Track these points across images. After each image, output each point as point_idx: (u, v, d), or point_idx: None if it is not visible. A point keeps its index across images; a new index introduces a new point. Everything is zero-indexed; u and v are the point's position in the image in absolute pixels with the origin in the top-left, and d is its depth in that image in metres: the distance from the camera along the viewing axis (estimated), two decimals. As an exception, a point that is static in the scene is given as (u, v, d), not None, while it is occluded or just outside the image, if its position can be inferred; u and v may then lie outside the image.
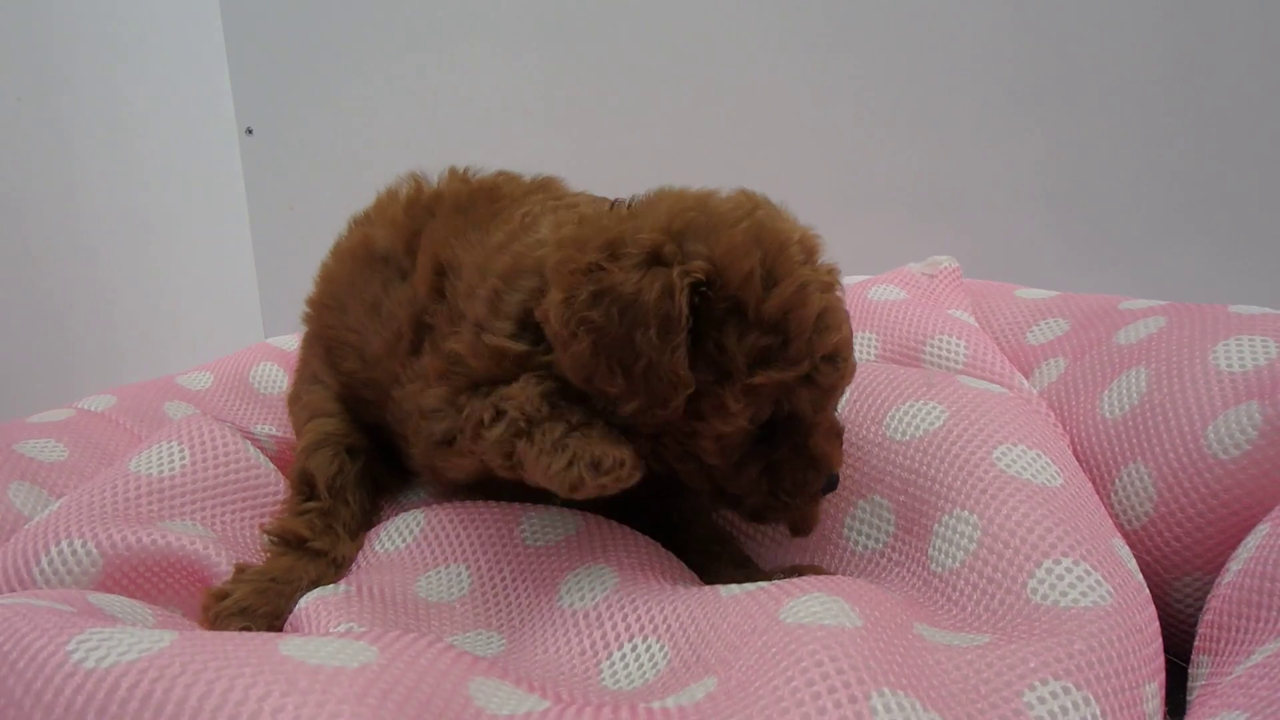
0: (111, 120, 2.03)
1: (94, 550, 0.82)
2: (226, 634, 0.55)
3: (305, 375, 1.09)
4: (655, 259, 0.69)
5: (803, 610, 0.58)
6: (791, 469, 0.76)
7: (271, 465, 1.00)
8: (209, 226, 2.21)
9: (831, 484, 0.78)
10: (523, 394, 0.72)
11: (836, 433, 0.78)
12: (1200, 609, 0.81)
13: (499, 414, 0.73)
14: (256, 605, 0.80)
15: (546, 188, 0.99)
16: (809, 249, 0.75)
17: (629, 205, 0.80)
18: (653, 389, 0.69)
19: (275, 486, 0.98)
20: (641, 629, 0.66)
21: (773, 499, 0.77)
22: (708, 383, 0.71)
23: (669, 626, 0.65)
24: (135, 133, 2.08)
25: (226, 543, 0.90)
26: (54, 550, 0.82)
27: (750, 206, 0.76)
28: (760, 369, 0.70)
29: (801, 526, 0.80)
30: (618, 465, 0.66)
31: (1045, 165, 1.82)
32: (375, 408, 0.99)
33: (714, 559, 0.86)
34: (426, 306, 0.86)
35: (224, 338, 2.19)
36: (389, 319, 0.92)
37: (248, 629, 0.78)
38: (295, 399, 1.08)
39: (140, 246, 2.11)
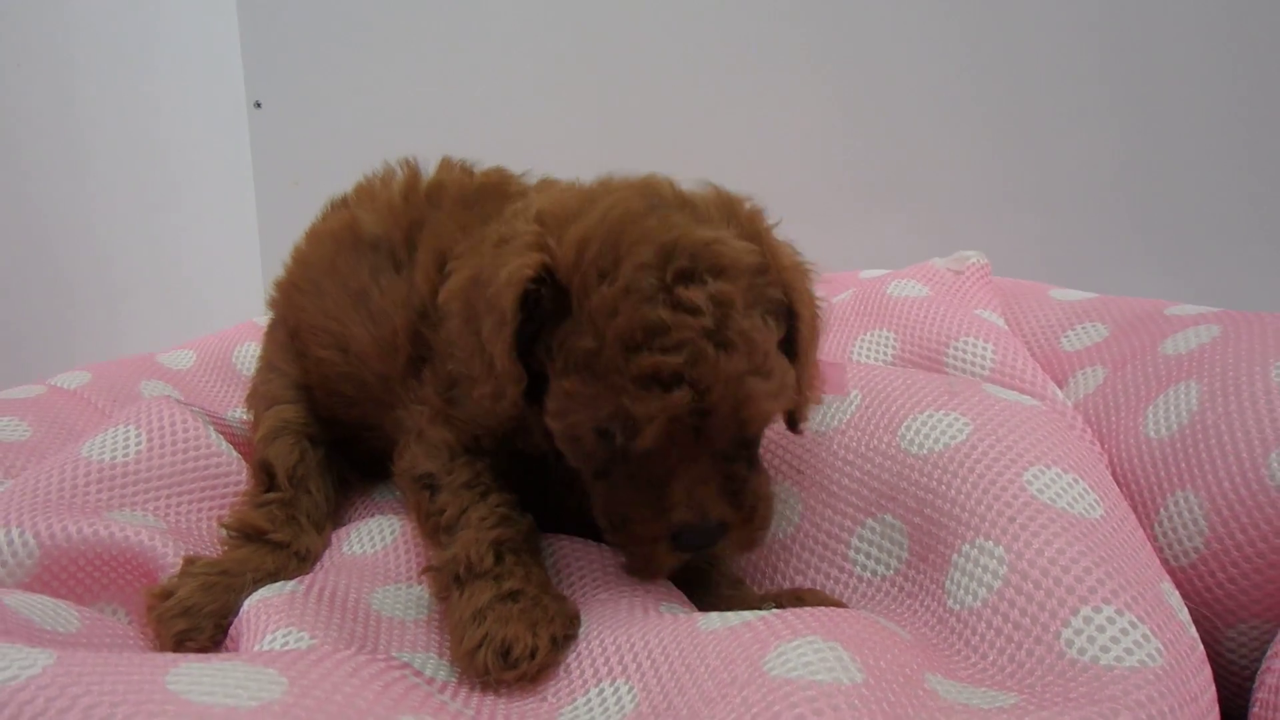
0: (117, 90, 1.99)
1: (31, 541, 0.76)
2: (113, 660, 0.47)
3: (264, 365, 1.03)
4: (519, 249, 0.66)
5: (793, 659, 0.48)
6: (625, 500, 0.66)
7: (236, 454, 0.93)
8: (214, 201, 2.17)
9: (688, 539, 0.64)
10: (473, 536, 0.69)
11: (722, 482, 0.64)
12: (1255, 662, 0.71)
13: (449, 531, 0.71)
14: (202, 603, 0.74)
15: (547, 189, 0.93)
16: (679, 253, 0.62)
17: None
18: (494, 376, 0.65)
19: (238, 477, 0.92)
20: (610, 671, 0.58)
21: (609, 525, 0.68)
22: (544, 381, 0.66)
23: (639, 665, 0.57)
24: (141, 104, 2.04)
25: (180, 535, 0.83)
26: None
27: (628, 194, 0.67)
28: (572, 373, 0.62)
29: (642, 569, 0.69)
30: (526, 656, 0.60)
31: (1084, 159, 1.70)
32: (350, 404, 0.92)
33: (703, 575, 0.77)
34: (425, 310, 0.81)
35: (225, 315, 2.13)
36: (380, 315, 0.86)
37: (194, 631, 0.73)
38: (253, 393, 1.01)
39: (143, 220, 2.07)
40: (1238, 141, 1.61)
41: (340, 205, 1.01)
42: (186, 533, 0.85)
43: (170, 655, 0.49)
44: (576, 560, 0.75)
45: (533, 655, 0.60)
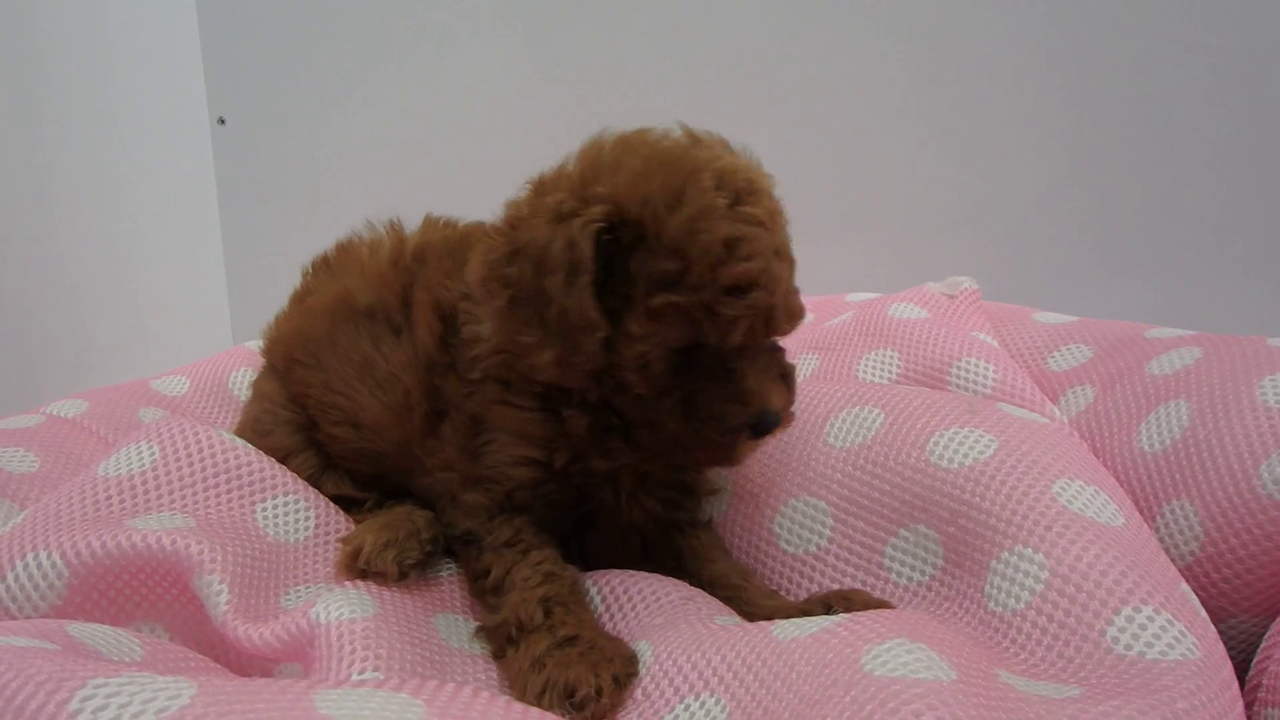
0: (77, 108, 1.95)
1: (59, 562, 0.74)
2: (255, 685, 0.48)
3: (264, 412, 0.99)
4: (560, 214, 0.70)
5: (891, 660, 0.53)
6: (710, 398, 0.73)
7: (251, 446, 0.90)
8: (177, 220, 2.14)
9: (764, 424, 0.74)
10: (520, 598, 0.71)
11: (777, 371, 0.76)
12: (1247, 653, 0.78)
13: (496, 593, 0.73)
14: (395, 531, 0.78)
15: None
16: (731, 178, 0.72)
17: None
18: (567, 335, 0.70)
19: (259, 464, 0.88)
20: (691, 687, 0.61)
21: (689, 427, 0.74)
22: (617, 310, 0.71)
23: (721, 678, 0.60)
24: (102, 122, 2.00)
25: (213, 528, 0.81)
26: (19, 566, 0.75)
27: (661, 136, 0.75)
28: (660, 292, 0.70)
29: (723, 459, 0.77)
30: (592, 697, 0.62)
31: (1041, 180, 1.79)
32: (373, 477, 0.93)
33: (740, 589, 0.81)
34: (433, 361, 0.83)
35: (190, 335, 2.10)
36: (388, 381, 0.87)
37: (406, 553, 0.77)
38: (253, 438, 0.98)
39: (105, 239, 2.02)
40: (1197, 162, 1.70)
41: (323, 267, 1.00)
42: (219, 524, 0.83)
43: (305, 682, 0.50)
44: (625, 593, 0.78)
45: (598, 695, 0.62)
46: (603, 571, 0.81)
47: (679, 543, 0.86)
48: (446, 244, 0.90)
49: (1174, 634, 0.59)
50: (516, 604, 0.71)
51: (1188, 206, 1.71)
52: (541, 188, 0.75)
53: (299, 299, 1.00)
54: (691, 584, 0.81)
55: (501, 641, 0.70)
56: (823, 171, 1.88)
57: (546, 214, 0.71)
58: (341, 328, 0.91)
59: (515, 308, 0.71)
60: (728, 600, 0.80)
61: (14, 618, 0.74)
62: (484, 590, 0.75)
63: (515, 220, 0.74)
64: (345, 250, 0.98)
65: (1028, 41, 1.75)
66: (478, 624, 0.75)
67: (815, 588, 0.83)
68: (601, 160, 0.74)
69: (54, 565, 0.74)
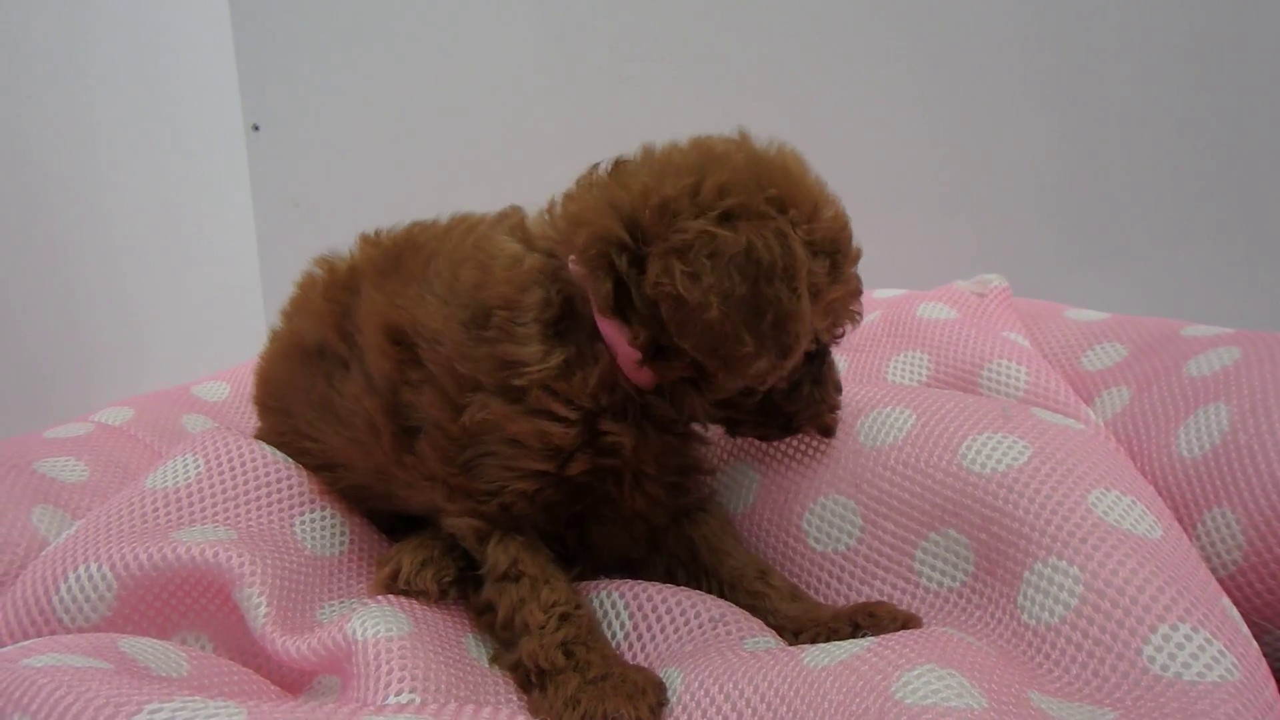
0: (113, 115, 1.98)
1: (108, 574, 0.78)
2: (302, 711, 0.50)
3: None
4: (734, 212, 0.70)
5: (920, 688, 0.53)
6: (833, 375, 0.84)
7: (292, 461, 0.93)
8: (213, 224, 2.16)
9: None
10: (538, 644, 0.70)
11: None
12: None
13: (509, 628, 0.72)
14: (430, 551, 0.80)
15: (466, 221, 0.93)
16: None
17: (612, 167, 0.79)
18: (780, 341, 0.69)
19: (298, 477, 0.91)
20: (725, 717, 0.61)
21: (822, 406, 0.82)
22: None
23: (754, 708, 0.60)
24: (136, 130, 2.03)
25: (253, 540, 0.83)
26: (71, 577, 0.78)
27: (751, 146, 0.78)
28: (830, 287, 0.75)
29: (834, 426, 0.87)
30: None
31: (1025, 165, 1.77)
32: (365, 509, 0.93)
33: (763, 597, 0.81)
34: (397, 382, 0.80)
35: (227, 338, 2.13)
36: (348, 415, 0.86)
37: (441, 571, 0.78)
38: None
39: (141, 244, 2.05)
40: (1179, 147, 1.66)
41: (288, 313, 1.00)
42: (260, 536, 0.85)
43: (349, 708, 0.51)
44: (654, 610, 0.77)
45: None
46: (630, 584, 0.80)
47: (690, 531, 0.85)
48: (375, 265, 0.88)
49: (1213, 653, 0.59)
50: (535, 651, 0.69)
51: (1206, 195, 1.68)
52: (667, 204, 0.71)
53: (275, 339, 1.01)
54: (709, 581, 0.81)
55: (521, 679, 0.70)
56: (835, 162, 1.87)
57: (714, 219, 0.69)
58: (297, 370, 0.92)
59: (726, 318, 0.67)
60: (751, 609, 0.79)
61: (67, 629, 0.77)
62: (491, 625, 0.74)
63: (658, 234, 0.70)
64: (303, 289, 0.98)
65: (1040, 30, 1.73)
66: (493, 651, 0.74)
67: (844, 588, 0.83)
68: (759, 174, 0.73)
69: (104, 577, 0.77)
